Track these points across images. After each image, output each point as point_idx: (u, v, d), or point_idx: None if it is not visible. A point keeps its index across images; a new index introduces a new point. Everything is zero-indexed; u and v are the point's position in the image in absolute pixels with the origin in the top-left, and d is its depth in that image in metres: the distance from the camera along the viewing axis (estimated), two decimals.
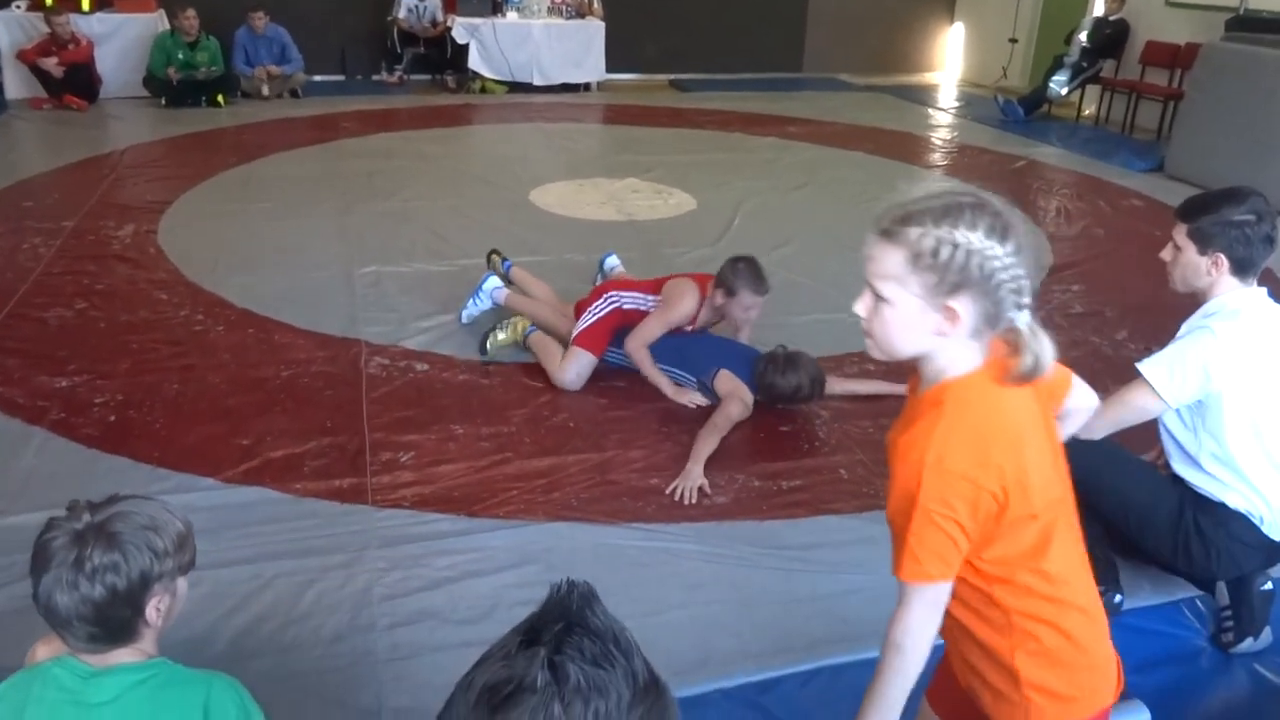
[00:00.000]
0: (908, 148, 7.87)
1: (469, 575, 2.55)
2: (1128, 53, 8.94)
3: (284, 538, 2.67)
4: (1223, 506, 2.19)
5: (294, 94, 8.88)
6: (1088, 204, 6.29)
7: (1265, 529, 2.20)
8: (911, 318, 1.24)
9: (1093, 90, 9.13)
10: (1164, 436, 2.29)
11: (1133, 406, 2.20)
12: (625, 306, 3.63)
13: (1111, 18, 8.88)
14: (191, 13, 8.18)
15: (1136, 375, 2.19)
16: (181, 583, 1.50)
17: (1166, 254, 2.26)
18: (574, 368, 3.54)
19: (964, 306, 1.22)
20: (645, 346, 3.51)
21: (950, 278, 1.21)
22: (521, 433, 3.27)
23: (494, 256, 4.35)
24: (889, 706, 1.32)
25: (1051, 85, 8.84)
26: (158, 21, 8.55)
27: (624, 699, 0.76)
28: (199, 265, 4.64)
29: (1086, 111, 9.27)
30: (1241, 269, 2.16)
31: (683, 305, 3.50)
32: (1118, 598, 2.43)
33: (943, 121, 9.13)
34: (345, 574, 2.53)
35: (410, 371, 3.68)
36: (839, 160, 7.33)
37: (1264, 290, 2.23)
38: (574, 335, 3.61)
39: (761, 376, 3.36)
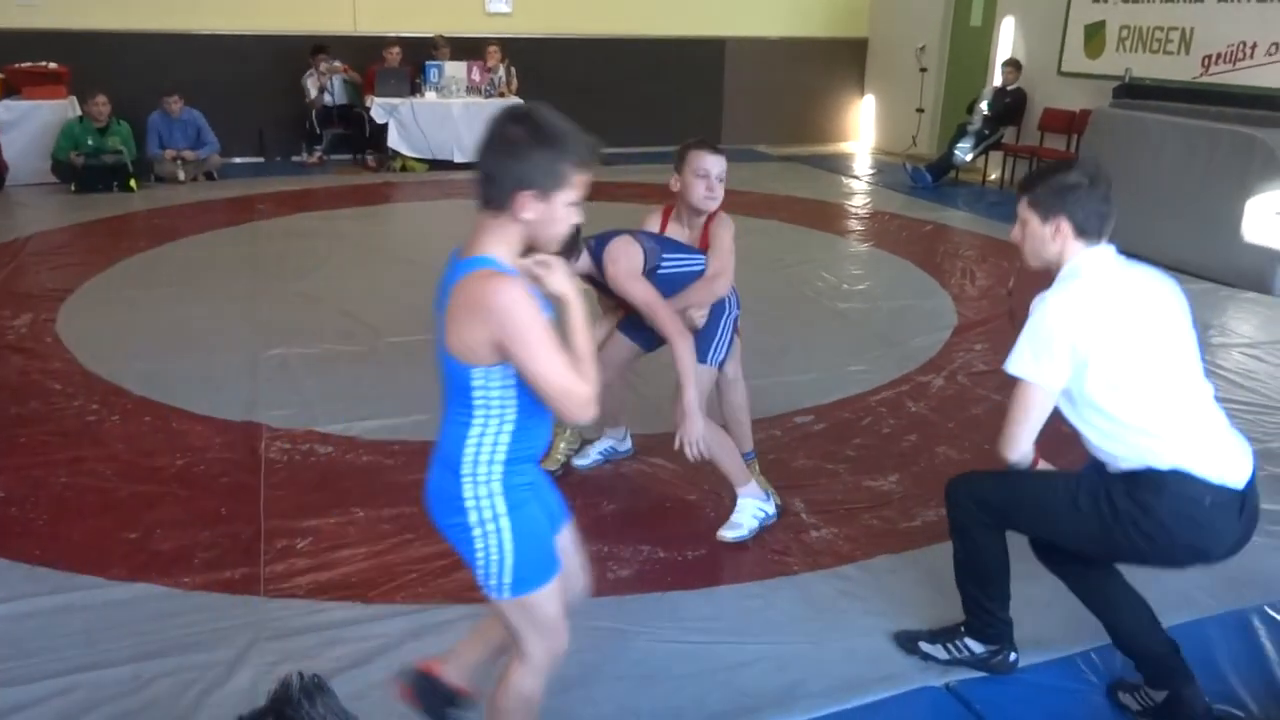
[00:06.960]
0: (820, 215, 8.06)
1: (361, 664, 2.47)
2: (1027, 120, 9.35)
3: (168, 635, 2.56)
4: (1149, 471, 2.08)
5: (210, 176, 8.82)
6: (991, 265, 6.49)
7: (1203, 475, 2.05)
8: None
9: (996, 155, 9.52)
10: (1076, 430, 2.20)
11: (1023, 406, 2.14)
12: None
13: (1010, 87, 9.31)
14: (102, 99, 8.11)
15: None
16: None
17: (1016, 232, 2.27)
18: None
19: None
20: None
21: None
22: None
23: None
24: None
25: (956, 152, 9.20)
26: (69, 107, 8.45)
27: None
28: (98, 353, 4.52)
29: (991, 176, 9.64)
30: (1084, 231, 2.17)
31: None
32: (1013, 656, 2.44)
33: (856, 189, 9.39)
34: (230, 670, 2.43)
35: (312, 455, 3.60)
36: (754, 229, 7.45)
37: (1111, 248, 2.20)
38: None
39: None
